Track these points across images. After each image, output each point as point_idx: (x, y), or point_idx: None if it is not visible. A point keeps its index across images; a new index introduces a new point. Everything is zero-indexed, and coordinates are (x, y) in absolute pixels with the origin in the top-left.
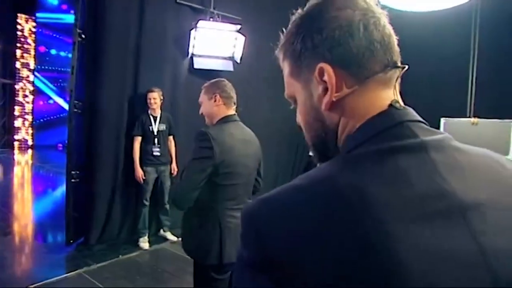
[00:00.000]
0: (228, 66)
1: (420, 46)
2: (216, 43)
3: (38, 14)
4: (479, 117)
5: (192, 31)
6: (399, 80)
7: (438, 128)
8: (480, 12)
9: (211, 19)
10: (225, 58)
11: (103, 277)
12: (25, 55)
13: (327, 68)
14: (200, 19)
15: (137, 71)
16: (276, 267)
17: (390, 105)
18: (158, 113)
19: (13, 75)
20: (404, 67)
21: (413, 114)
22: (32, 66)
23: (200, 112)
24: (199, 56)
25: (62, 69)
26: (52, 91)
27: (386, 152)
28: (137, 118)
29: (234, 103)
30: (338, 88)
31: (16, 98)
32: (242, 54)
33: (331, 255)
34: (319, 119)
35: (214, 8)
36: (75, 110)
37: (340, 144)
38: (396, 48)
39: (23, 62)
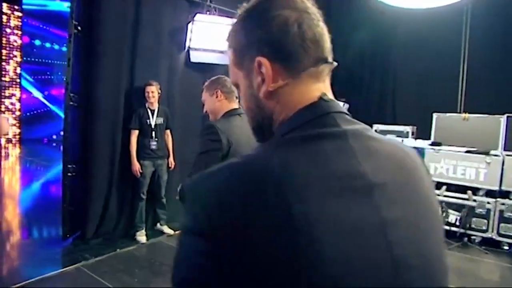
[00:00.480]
0: (225, 60)
1: (413, 43)
2: (213, 36)
3: (24, 0)
4: (469, 113)
5: (189, 25)
6: (329, 74)
7: (431, 122)
8: (472, 10)
9: (208, 12)
10: (222, 52)
11: (101, 271)
12: (10, 47)
13: (265, 61)
14: (197, 13)
15: (134, 64)
16: (217, 235)
17: (320, 98)
18: (155, 107)
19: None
20: (333, 63)
21: (339, 106)
22: (18, 58)
23: (204, 110)
24: (196, 49)
25: (48, 61)
26: (31, 85)
27: (313, 137)
28: (134, 111)
29: (236, 97)
30: (274, 79)
31: (2, 93)
32: None
33: (261, 225)
34: (257, 105)
35: (211, 2)
36: (71, 103)
37: (276, 129)
38: (328, 45)
39: (8, 55)
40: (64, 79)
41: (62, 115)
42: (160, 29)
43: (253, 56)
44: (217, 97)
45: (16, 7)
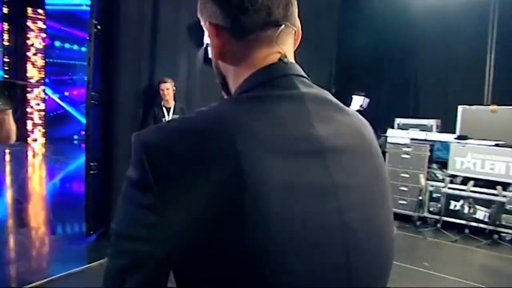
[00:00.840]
0: None
1: (436, 32)
2: None
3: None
4: (498, 104)
5: None
6: (288, 37)
7: (456, 115)
8: None
9: None
10: None
11: None
12: (34, 49)
13: (212, 25)
14: None
15: (153, 62)
16: (161, 187)
17: (280, 60)
18: (171, 104)
19: (25, 69)
20: (281, 26)
21: (298, 69)
22: (41, 61)
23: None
24: None
25: (69, 62)
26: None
27: (271, 97)
28: (150, 110)
29: None
30: (221, 42)
31: (28, 94)
32: None
33: (209, 178)
34: (215, 66)
35: None
36: (92, 101)
37: (234, 88)
38: (280, 9)
39: (34, 57)
40: (85, 78)
41: (78, 116)
42: (178, 26)
43: (206, 20)
44: None
45: (39, 10)
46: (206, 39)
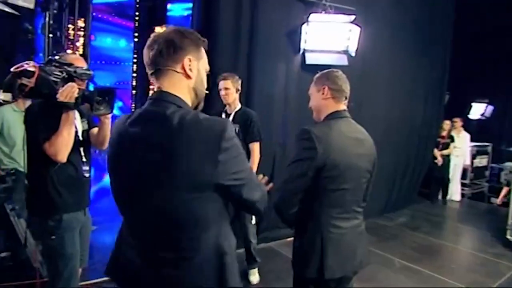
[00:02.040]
0: (342, 60)
1: None
2: (329, 36)
3: None
4: None
5: (304, 26)
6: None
7: None
8: None
9: (323, 11)
10: (338, 52)
11: None
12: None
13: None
14: (311, 12)
15: (250, 70)
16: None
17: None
18: (233, 109)
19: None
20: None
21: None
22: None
23: (310, 105)
24: (311, 51)
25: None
26: None
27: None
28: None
29: (346, 98)
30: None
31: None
32: (357, 46)
33: None
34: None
35: (326, 0)
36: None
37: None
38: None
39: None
40: None
41: None
42: (276, 32)
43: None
44: (323, 94)
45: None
46: (303, 45)
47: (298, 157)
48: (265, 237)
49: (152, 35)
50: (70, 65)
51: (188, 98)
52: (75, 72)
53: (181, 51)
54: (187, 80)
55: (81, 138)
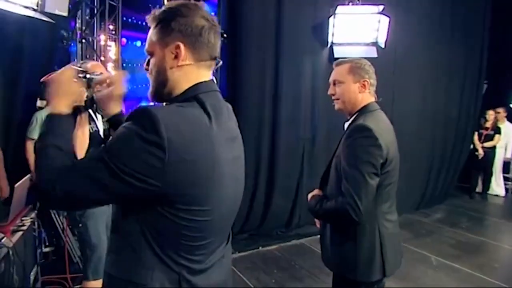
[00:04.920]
0: (372, 53)
1: None
2: (357, 28)
3: None
4: None
5: (331, 19)
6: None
7: None
8: None
9: (351, 3)
10: (367, 44)
11: (244, 267)
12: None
13: (182, 46)
14: (338, 5)
15: (277, 65)
16: None
17: (210, 80)
18: None
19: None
20: (218, 61)
21: (214, 86)
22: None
23: (331, 92)
24: (339, 44)
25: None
26: None
27: (198, 104)
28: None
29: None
30: (183, 59)
31: None
32: (387, 38)
33: None
34: (162, 73)
35: None
36: None
37: (173, 96)
38: (218, 48)
39: None
40: None
41: None
42: (302, 27)
43: (175, 39)
44: (363, 87)
45: None
46: (330, 38)
47: (366, 157)
48: (296, 233)
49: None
50: (85, 72)
51: None
52: (85, 77)
53: None
54: None
55: (102, 136)
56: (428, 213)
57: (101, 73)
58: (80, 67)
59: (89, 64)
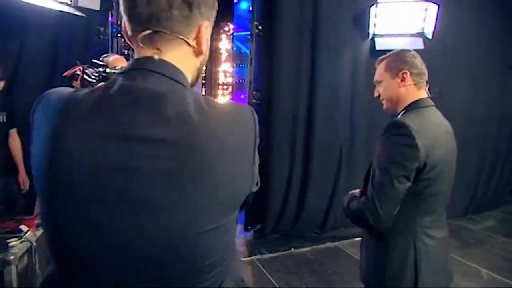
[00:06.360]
0: (418, 44)
1: None
2: (401, 18)
3: None
4: None
5: (372, 8)
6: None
7: None
8: None
9: None
10: (413, 35)
11: (274, 269)
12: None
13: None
14: None
15: (314, 59)
16: None
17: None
18: None
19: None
20: (157, 31)
21: (151, 64)
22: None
23: (377, 94)
24: (382, 35)
25: None
26: None
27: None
28: None
29: (427, 82)
30: (126, 35)
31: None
32: (435, 28)
33: None
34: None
35: None
36: (254, 100)
37: None
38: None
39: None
40: (247, 78)
41: None
42: (340, 18)
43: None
44: (402, 80)
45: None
46: (371, 29)
47: (398, 157)
48: (331, 236)
49: None
50: (105, 66)
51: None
52: (104, 72)
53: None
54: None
55: None
56: (478, 220)
57: (121, 67)
58: (102, 61)
59: (111, 58)
